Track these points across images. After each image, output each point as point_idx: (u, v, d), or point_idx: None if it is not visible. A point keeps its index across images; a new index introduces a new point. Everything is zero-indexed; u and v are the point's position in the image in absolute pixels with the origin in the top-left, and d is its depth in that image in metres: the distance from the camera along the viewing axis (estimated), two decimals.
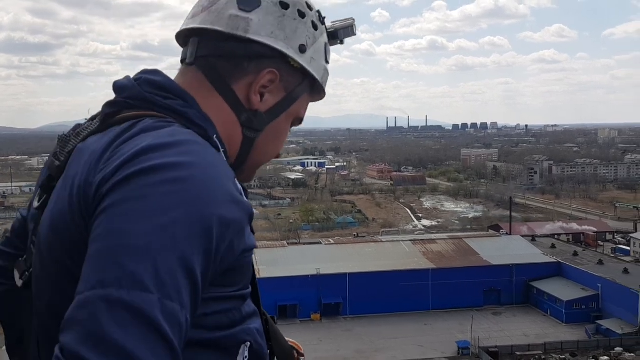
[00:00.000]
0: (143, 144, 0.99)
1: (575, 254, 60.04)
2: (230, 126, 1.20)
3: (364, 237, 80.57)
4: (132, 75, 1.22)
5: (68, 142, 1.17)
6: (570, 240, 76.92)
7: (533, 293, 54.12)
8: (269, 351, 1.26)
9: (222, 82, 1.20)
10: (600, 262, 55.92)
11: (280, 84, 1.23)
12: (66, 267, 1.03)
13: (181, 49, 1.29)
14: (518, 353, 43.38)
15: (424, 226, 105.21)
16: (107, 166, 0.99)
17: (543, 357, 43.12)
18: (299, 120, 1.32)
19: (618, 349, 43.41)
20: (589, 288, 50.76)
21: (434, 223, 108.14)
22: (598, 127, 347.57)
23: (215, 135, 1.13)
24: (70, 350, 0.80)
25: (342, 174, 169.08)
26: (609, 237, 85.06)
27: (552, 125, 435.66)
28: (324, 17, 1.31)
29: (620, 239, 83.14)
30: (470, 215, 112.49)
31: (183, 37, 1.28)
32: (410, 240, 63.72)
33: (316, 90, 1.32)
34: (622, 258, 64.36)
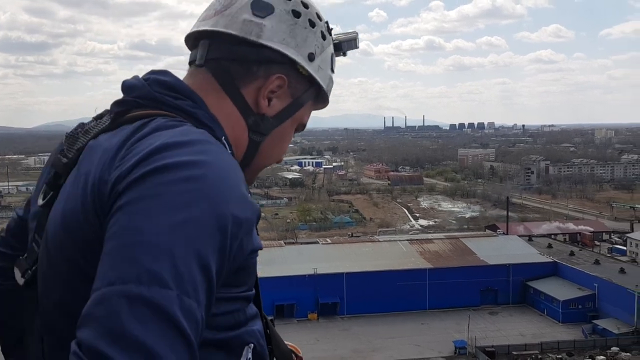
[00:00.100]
0: (158, 142, 0.99)
1: (572, 253, 60.13)
2: (237, 129, 1.22)
3: (358, 237, 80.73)
4: (129, 75, 1.23)
5: (76, 139, 1.17)
6: (567, 240, 77.06)
7: (530, 293, 54.21)
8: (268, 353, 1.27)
9: (232, 84, 1.22)
10: (597, 262, 56.01)
11: (288, 90, 1.25)
12: (78, 265, 1.03)
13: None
14: (514, 352, 43.43)
15: (421, 226, 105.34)
16: (123, 164, 0.99)
17: (539, 356, 43.19)
18: (302, 126, 1.35)
19: (614, 349, 43.50)
20: (586, 288, 50.86)
21: (431, 223, 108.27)
22: (595, 127, 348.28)
23: (223, 137, 1.15)
24: (89, 346, 0.80)
25: (340, 173, 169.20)
26: (605, 237, 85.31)
27: (549, 125, 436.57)
28: (332, 29, 1.34)
29: (616, 239, 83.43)
30: (467, 215, 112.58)
31: (192, 39, 1.29)
32: (408, 240, 63.81)
33: (321, 99, 1.35)
34: (619, 258, 64.44)
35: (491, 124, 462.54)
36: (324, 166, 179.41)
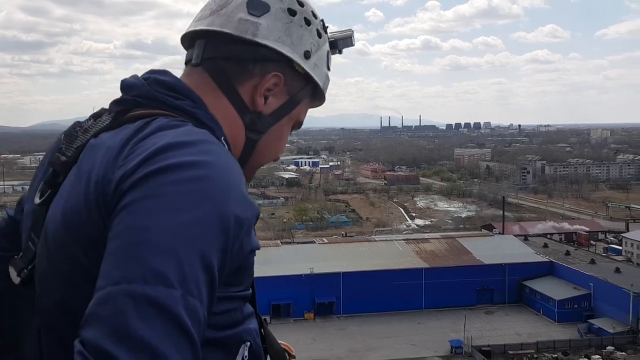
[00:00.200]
0: (162, 142, 1.00)
1: (568, 253, 60.25)
2: (234, 127, 1.23)
3: (352, 236, 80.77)
4: (126, 74, 1.24)
5: (75, 138, 1.17)
6: (563, 239, 77.23)
7: (525, 292, 54.31)
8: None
9: (228, 83, 1.23)
10: (592, 262, 56.11)
11: (284, 88, 1.26)
12: (80, 264, 1.03)
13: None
14: (510, 352, 43.52)
15: (417, 225, 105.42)
16: (127, 163, 1.00)
17: (535, 356, 43.28)
18: (298, 124, 1.36)
19: (610, 348, 43.65)
20: (581, 287, 50.97)
21: (427, 222, 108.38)
22: (590, 127, 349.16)
23: (223, 137, 1.16)
24: (94, 345, 0.79)
25: (336, 173, 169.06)
26: (601, 236, 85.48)
27: (545, 125, 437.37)
28: (327, 27, 1.35)
29: (612, 239, 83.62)
30: (463, 215, 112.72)
31: (189, 39, 1.30)
32: (404, 240, 63.82)
33: (317, 96, 1.36)
34: (614, 257, 64.62)
35: (487, 124, 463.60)
36: (320, 166, 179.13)
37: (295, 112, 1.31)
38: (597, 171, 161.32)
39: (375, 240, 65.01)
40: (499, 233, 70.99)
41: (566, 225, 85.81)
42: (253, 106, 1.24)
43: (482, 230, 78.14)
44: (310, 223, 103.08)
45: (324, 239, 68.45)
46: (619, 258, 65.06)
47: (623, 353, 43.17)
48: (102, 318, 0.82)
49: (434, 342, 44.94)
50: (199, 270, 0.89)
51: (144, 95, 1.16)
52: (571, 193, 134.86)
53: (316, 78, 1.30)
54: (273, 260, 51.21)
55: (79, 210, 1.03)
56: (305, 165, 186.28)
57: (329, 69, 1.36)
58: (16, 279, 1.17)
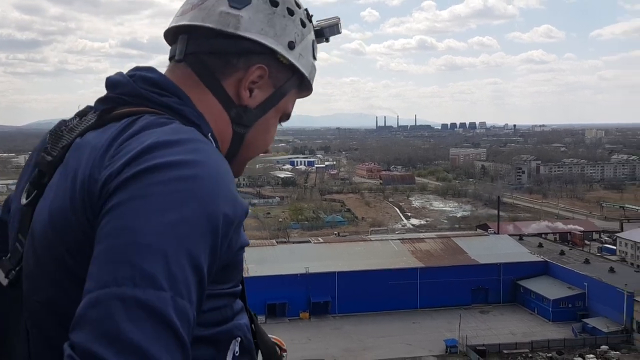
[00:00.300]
0: (148, 141, 0.99)
1: (562, 253, 60.45)
2: (220, 122, 1.21)
3: (345, 236, 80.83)
4: (121, 72, 1.23)
5: (61, 137, 1.16)
6: (557, 239, 77.44)
7: (520, 292, 54.48)
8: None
9: (212, 78, 1.21)
10: (587, 261, 56.34)
11: (269, 80, 1.24)
12: (66, 264, 1.02)
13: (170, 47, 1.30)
14: (505, 351, 43.66)
15: (412, 225, 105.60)
16: (113, 163, 0.98)
17: (530, 355, 43.43)
18: (286, 115, 1.34)
19: (604, 347, 43.86)
20: (576, 287, 51.16)
21: (422, 222, 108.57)
22: (585, 127, 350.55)
23: (209, 134, 1.15)
24: (83, 349, 0.79)
25: (332, 172, 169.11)
26: (595, 236, 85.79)
27: (540, 125, 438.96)
28: (312, 15, 1.33)
29: (606, 239, 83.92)
30: (459, 215, 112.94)
31: (172, 34, 1.28)
32: (399, 239, 63.93)
33: (304, 87, 1.34)
34: (608, 257, 64.85)
35: (482, 124, 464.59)
36: (316, 165, 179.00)
37: (282, 104, 1.29)
38: (591, 171, 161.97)
39: (371, 240, 65.09)
40: (494, 233, 71.17)
41: (560, 225, 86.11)
42: (238, 100, 1.22)
43: (477, 230, 78.35)
44: (306, 223, 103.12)
45: (320, 239, 68.51)
46: (613, 258, 65.31)
47: (617, 352, 43.37)
48: (91, 321, 0.81)
49: (429, 342, 45.03)
50: (187, 270, 0.88)
51: (130, 93, 1.14)
52: (566, 193, 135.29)
53: (302, 68, 1.28)
54: (268, 260, 51.20)
55: (65, 210, 1.02)
56: (300, 164, 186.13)
57: (315, 58, 1.33)
58: (4, 280, 1.17)
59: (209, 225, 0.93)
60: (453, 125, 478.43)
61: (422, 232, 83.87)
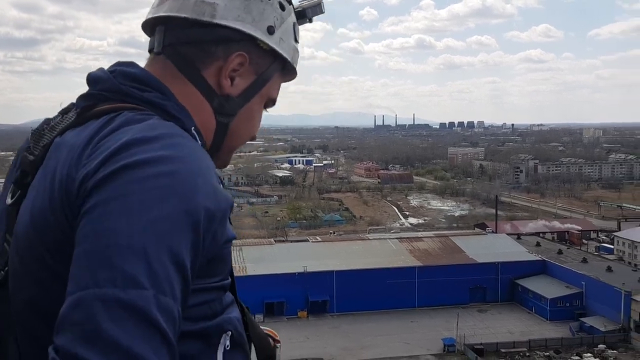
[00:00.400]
0: (125, 137, 0.97)
1: (560, 252, 60.50)
2: (203, 113, 1.19)
3: (340, 235, 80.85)
4: (102, 67, 1.21)
5: (42, 136, 1.15)
6: (555, 238, 77.50)
7: (518, 291, 54.54)
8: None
9: (192, 69, 1.19)
10: (585, 261, 56.42)
11: (250, 67, 1.22)
12: (47, 264, 1.01)
13: None
14: (503, 350, 43.72)
15: (410, 224, 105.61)
16: (90, 161, 0.97)
17: (527, 354, 43.50)
18: (272, 101, 1.32)
19: (601, 346, 43.95)
20: (573, 286, 51.24)
21: (420, 221, 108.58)
22: (583, 127, 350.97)
23: (193, 127, 1.13)
24: (66, 351, 0.79)
25: (330, 171, 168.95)
26: (593, 235, 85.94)
27: (538, 125, 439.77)
28: None
29: (604, 238, 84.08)
30: (457, 214, 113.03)
31: (150, 26, 1.26)
32: (397, 238, 63.97)
33: (287, 71, 1.32)
34: (606, 256, 64.98)
35: (481, 123, 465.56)
36: (314, 164, 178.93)
37: (265, 90, 1.27)
38: (589, 170, 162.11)
39: (369, 239, 65.11)
40: (492, 232, 71.21)
41: (558, 224, 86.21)
42: (220, 89, 1.20)
43: (475, 229, 78.40)
44: (304, 221, 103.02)
45: (318, 238, 68.53)
46: (610, 257, 65.41)
47: (614, 351, 43.47)
48: (73, 323, 0.81)
49: (427, 340, 45.07)
50: (169, 267, 0.87)
51: (110, 89, 1.13)
52: (564, 192, 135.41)
53: (283, 53, 1.25)
54: (266, 259, 51.25)
55: (45, 210, 1.01)
56: (299, 163, 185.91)
57: (297, 41, 1.30)
58: None
59: (190, 220, 0.92)
60: (451, 124, 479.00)
61: (420, 231, 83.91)
